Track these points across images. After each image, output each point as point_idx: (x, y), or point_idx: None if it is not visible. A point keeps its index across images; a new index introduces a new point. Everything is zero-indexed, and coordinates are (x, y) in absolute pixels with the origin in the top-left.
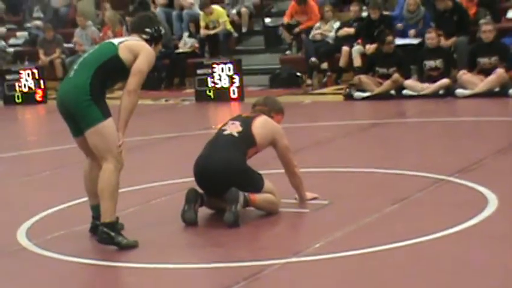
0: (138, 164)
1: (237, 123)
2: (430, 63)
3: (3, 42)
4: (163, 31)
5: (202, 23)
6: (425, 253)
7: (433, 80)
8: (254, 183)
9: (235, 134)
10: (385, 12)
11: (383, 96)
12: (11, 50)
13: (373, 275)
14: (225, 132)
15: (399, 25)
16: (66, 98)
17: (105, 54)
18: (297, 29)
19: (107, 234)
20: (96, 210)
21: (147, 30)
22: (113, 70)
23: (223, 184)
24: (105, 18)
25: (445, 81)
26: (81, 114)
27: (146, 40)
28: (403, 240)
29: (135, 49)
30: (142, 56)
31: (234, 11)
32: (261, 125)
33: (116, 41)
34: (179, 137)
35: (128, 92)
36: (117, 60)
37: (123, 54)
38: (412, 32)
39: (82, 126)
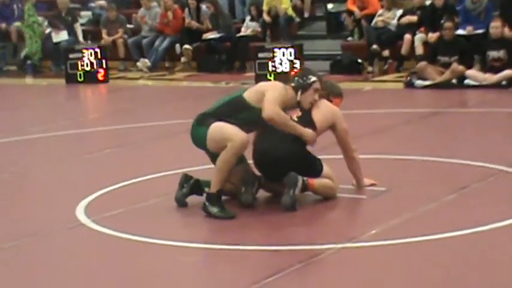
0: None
1: (297, 107)
2: (493, 54)
3: None
4: (312, 79)
5: (264, 7)
6: (483, 243)
7: (496, 70)
8: (313, 168)
9: (295, 119)
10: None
11: (444, 86)
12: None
13: (429, 263)
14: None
15: (458, 9)
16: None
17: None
18: (359, 15)
19: (204, 204)
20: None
21: (296, 78)
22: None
23: (282, 168)
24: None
25: (508, 72)
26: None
27: (293, 87)
28: (460, 229)
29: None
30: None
31: None
32: (321, 109)
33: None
34: None
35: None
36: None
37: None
38: (469, 28)
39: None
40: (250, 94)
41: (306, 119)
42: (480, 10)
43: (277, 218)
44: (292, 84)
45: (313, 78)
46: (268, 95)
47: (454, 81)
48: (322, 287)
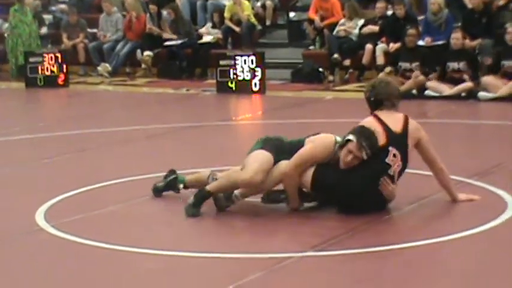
0: (157, 152)
1: (398, 154)
2: (453, 65)
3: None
4: (346, 138)
5: (226, 14)
6: (441, 254)
7: (456, 82)
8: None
9: (396, 178)
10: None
11: (404, 96)
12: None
13: (387, 273)
14: (390, 172)
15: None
16: None
17: None
18: (320, 25)
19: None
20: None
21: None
22: None
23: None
24: (126, 4)
25: (467, 83)
26: None
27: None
28: (419, 240)
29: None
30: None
31: (258, 4)
32: (412, 143)
33: None
34: (198, 127)
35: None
36: None
37: None
38: (428, 39)
39: None
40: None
41: (403, 170)
42: (441, 22)
43: (239, 226)
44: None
45: (348, 137)
46: (303, 149)
47: (414, 91)
48: None
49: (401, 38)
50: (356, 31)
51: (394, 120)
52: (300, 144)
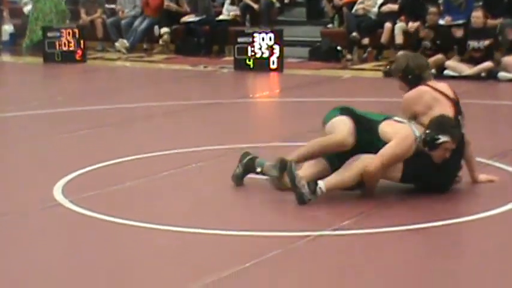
0: (175, 128)
1: (461, 122)
2: (473, 44)
3: None
4: (441, 140)
5: None
6: (459, 234)
7: (476, 61)
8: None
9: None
10: None
11: None
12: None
13: (403, 253)
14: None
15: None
16: None
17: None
18: (339, 3)
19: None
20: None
21: (427, 131)
22: None
23: None
24: None
25: (487, 63)
26: None
27: (423, 141)
28: (438, 220)
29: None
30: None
31: None
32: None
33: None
34: (215, 104)
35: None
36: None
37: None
38: (447, 19)
39: None
40: (383, 134)
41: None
42: (461, 1)
43: (257, 205)
44: (423, 137)
45: (443, 139)
46: (387, 148)
47: (433, 71)
48: (300, 274)
49: (421, 17)
50: (375, 9)
51: (445, 88)
52: (374, 123)
